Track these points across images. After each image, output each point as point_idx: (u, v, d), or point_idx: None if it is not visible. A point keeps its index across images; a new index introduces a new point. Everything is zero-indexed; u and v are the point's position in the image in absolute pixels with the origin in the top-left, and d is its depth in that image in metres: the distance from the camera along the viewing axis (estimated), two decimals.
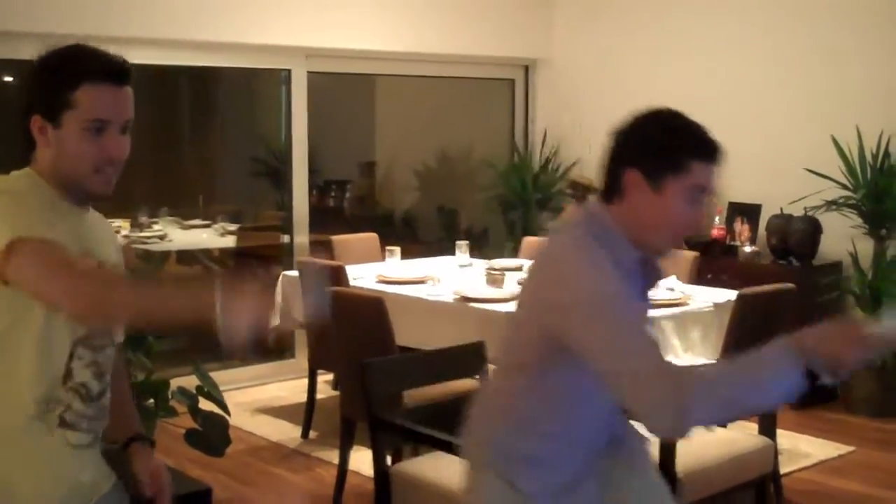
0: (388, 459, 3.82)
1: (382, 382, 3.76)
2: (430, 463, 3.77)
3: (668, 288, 5.28)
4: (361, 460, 4.74)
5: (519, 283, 5.16)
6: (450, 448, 3.59)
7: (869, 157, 6.36)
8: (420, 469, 3.72)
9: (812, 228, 6.49)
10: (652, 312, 4.79)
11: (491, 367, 3.93)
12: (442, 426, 3.81)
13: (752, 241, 6.82)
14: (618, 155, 2.26)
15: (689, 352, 5.01)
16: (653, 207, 2.20)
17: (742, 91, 7.24)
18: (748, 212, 6.98)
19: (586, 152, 8.05)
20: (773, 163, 7.00)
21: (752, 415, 1.99)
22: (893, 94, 6.46)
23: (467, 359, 4.14)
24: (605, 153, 2.30)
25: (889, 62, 6.51)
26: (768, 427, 4.37)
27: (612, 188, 2.26)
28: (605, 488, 2.39)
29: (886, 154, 6.32)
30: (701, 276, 6.05)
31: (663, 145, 2.20)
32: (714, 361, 4.39)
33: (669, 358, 4.88)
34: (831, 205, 6.32)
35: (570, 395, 2.30)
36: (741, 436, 4.25)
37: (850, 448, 5.35)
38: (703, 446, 3.98)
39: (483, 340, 4.19)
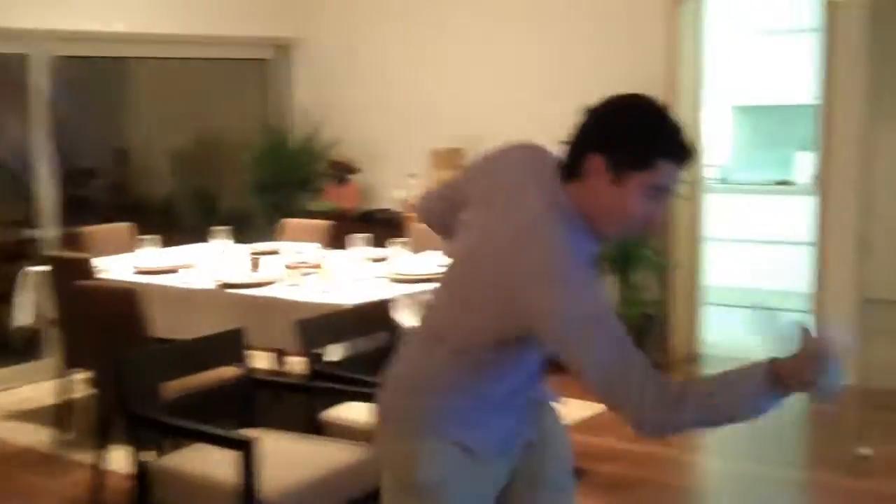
0: (154, 455, 3.70)
1: (137, 376, 3.64)
2: (190, 455, 3.67)
3: (436, 264, 5.32)
4: (121, 459, 4.56)
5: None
6: (211, 439, 3.52)
7: None
8: (179, 462, 3.62)
9: None
10: (416, 288, 4.89)
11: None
12: (203, 417, 3.73)
13: None
14: (585, 137, 2.19)
15: None
16: (610, 197, 2.15)
17: (499, 69, 7.41)
18: None
19: (345, 133, 8.06)
20: (527, 136, 7.15)
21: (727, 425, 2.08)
22: (637, 63, 6.74)
23: (226, 346, 4.06)
24: (574, 130, 2.22)
25: (634, 32, 6.81)
26: None
27: (572, 168, 2.19)
28: (531, 435, 2.47)
29: None
30: None
31: (634, 140, 2.13)
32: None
33: None
34: None
35: (505, 364, 2.30)
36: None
37: (603, 407, 5.59)
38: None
39: (242, 327, 4.12)
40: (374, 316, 4.56)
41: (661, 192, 2.16)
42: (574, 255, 2.12)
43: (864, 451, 4.79)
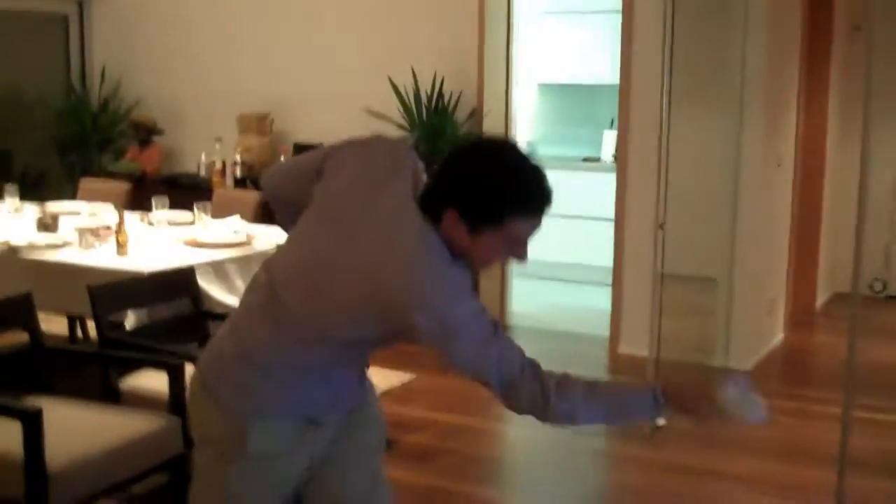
0: None
1: None
2: None
3: (234, 231, 5.20)
4: None
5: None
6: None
7: (424, 98, 6.63)
8: None
9: None
10: (216, 255, 4.76)
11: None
12: None
13: None
14: (442, 188, 2.15)
15: None
16: (467, 246, 2.15)
17: (309, 34, 7.28)
18: None
19: (148, 93, 7.78)
20: (336, 104, 7.12)
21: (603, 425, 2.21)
22: (445, 36, 6.76)
23: (14, 311, 3.85)
24: (434, 177, 2.18)
25: (442, 5, 6.80)
26: None
27: (432, 211, 2.15)
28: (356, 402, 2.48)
29: (440, 95, 6.62)
30: (267, 216, 6.03)
31: (485, 199, 2.10)
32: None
33: (235, 300, 4.82)
34: None
35: (326, 364, 2.31)
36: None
37: (412, 374, 5.61)
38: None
39: (30, 291, 3.91)
40: (174, 283, 4.41)
41: (517, 244, 2.18)
42: (458, 282, 2.15)
43: (659, 421, 4.96)
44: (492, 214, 2.11)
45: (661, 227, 4.99)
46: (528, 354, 2.19)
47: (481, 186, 2.11)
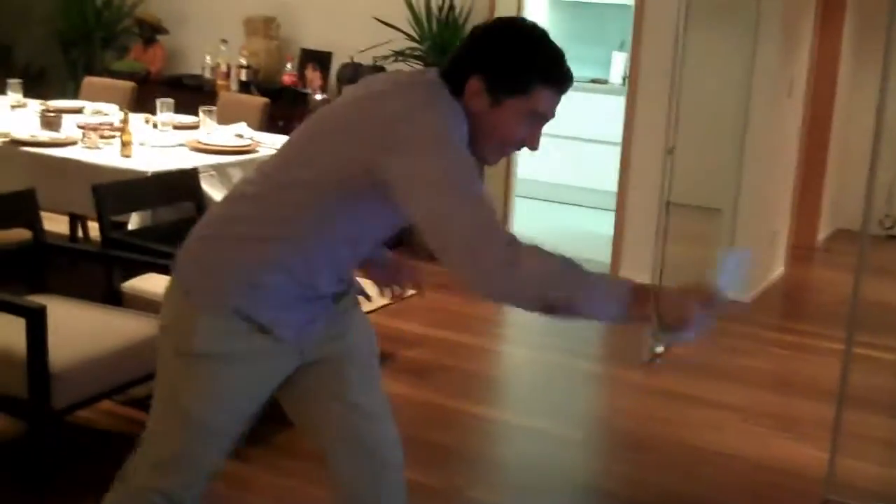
0: None
1: None
2: None
3: (237, 134, 5.15)
4: None
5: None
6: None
7: (435, 10, 6.52)
8: None
9: None
10: (220, 159, 4.72)
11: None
12: None
13: (324, 88, 6.81)
14: (466, 58, 2.13)
15: None
16: (487, 119, 2.11)
17: None
18: (319, 59, 6.96)
19: None
20: (344, 11, 7.01)
21: (567, 317, 1.91)
22: None
23: (16, 207, 3.82)
24: (456, 50, 2.16)
25: None
26: None
27: (454, 83, 2.11)
28: (330, 324, 2.30)
29: (451, 7, 6.51)
30: (272, 122, 5.97)
31: (513, 65, 2.09)
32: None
33: None
34: (399, 55, 6.44)
35: (322, 242, 2.17)
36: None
37: (412, 291, 5.60)
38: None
39: (34, 187, 3.88)
40: (177, 185, 4.38)
41: (539, 118, 2.15)
42: (450, 103, 2.08)
43: (657, 348, 4.97)
44: (520, 80, 2.10)
45: (670, 152, 4.94)
46: None
47: (511, 53, 2.11)
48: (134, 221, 4.28)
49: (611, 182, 6.45)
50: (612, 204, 6.37)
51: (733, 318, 5.68)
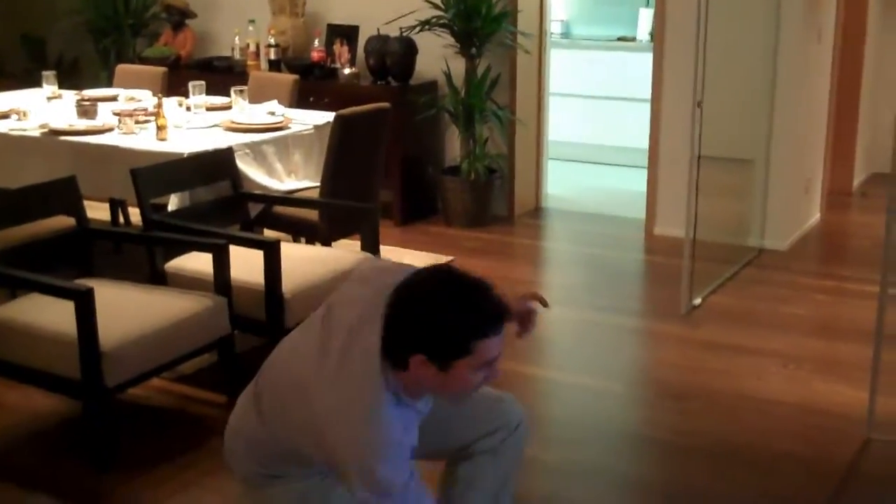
0: None
1: None
2: (24, 306, 3.56)
3: (269, 112, 5.22)
4: None
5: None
6: (46, 289, 3.41)
7: None
8: (13, 313, 3.50)
9: (408, 48, 6.61)
10: (253, 137, 4.79)
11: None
12: (37, 268, 3.60)
13: (352, 62, 6.86)
14: (401, 337, 2.12)
15: (292, 175, 5.02)
16: (440, 381, 2.13)
17: None
18: (347, 33, 6.99)
19: None
20: None
21: None
22: None
23: (59, 195, 3.92)
24: (388, 321, 2.13)
25: None
26: (372, 243, 4.51)
27: (395, 358, 2.13)
28: None
29: None
30: (302, 99, 6.03)
31: (447, 338, 2.09)
32: None
33: (273, 182, 4.87)
34: (425, 25, 6.46)
35: None
36: (343, 253, 4.36)
37: (450, 257, 5.66)
38: (308, 264, 4.04)
39: (74, 175, 3.97)
40: (213, 164, 4.46)
41: (490, 364, 2.15)
42: (392, 425, 2.13)
43: (695, 300, 5.00)
44: (460, 347, 2.09)
45: (699, 105, 4.95)
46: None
47: (438, 326, 2.09)
48: (173, 203, 4.37)
49: (642, 139, 6.46)
50: (644, 161, 6.38)
51: (771, 267, 5.71)
